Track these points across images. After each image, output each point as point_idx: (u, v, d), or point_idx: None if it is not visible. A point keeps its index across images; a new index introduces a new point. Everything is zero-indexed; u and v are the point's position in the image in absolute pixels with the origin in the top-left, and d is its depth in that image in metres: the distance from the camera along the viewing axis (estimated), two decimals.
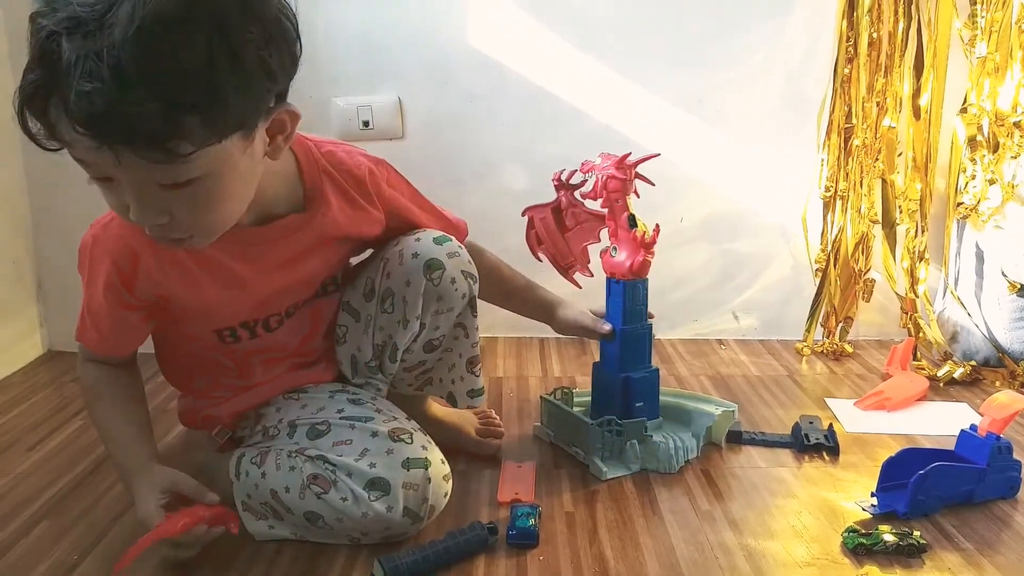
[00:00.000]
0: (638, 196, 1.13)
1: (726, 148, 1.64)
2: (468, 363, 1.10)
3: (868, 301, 1.65)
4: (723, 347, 1.68)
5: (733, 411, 1.19)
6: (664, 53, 1.60)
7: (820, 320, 1.66)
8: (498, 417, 1.24)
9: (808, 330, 1.65)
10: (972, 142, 1.52)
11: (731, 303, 1.73)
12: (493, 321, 1.47)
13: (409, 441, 0.92)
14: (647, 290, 1.14)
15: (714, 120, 1.63)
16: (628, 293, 1.12)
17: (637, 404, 1.14)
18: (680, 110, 1.63)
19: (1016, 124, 1.44)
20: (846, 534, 0.93)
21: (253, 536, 0.94)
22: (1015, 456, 1.05)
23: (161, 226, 0.76)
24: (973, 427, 1.06)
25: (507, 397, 1.39)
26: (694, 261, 1.71)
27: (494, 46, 1.60)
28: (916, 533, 0.93)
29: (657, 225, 1.12)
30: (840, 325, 1.65)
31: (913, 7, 1.49)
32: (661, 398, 1.19)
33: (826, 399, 1.39)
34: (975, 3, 1.47)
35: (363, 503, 0.88)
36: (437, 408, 1.19)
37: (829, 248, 1.62)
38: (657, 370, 1.17)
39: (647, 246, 1.11)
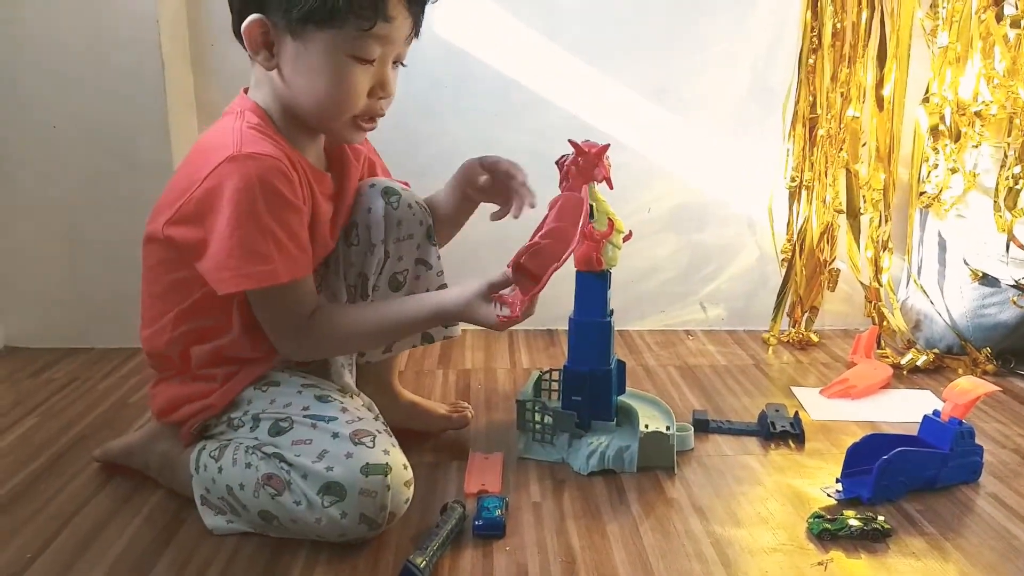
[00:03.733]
0: (611, 187, 1.06)
1: (693, 139, 1.65)
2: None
3: (833, 291, 1.66)
4: (691, 338, 1.69)
5: (666, 434, 1.09)
6: (630, 42, 1.60)
7: (786, 310, 1.67)
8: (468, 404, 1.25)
9: (774, 320, 1.66)
10: (934, 131, 1.53)
11: (698, 294, 1.74)
12: None
13: (371, 445, 0.88)
14: (606, 285, 1.09)
15: (681, 110, 1.63)
16: (579, 283, 1.09)
17: (574, 398, 1.11)
18: (647, 100, 1.63)
19: (977, 113, 1.46)
20: (811, 520, 0.94)
21: (212, 532, 0.92)
22: (977, 441, 1.06)
23: (385, 103, 0.96)
24: (936, 413, 1.07)
25: (475, 389, 1.38)
26: (661, 252, 1.71)
27: (460, 35, 1.58)
28: (880, 518, 0.93)
29: (630, 231, 1.10)
30: (806, 315, 1.66)
31: None
32: (631, 401, 1.15)
33: (792, 388, 1.39)
34: None
35: (316, 509, 0.86)
36: (406, 391, 1.20)
37: (795, 238, 1.63)
38: (610, 369, 1.10)
39: (594, 238, 1.06)
